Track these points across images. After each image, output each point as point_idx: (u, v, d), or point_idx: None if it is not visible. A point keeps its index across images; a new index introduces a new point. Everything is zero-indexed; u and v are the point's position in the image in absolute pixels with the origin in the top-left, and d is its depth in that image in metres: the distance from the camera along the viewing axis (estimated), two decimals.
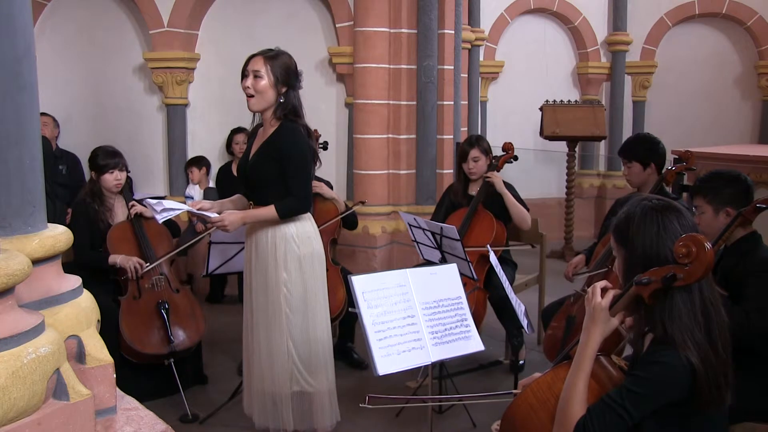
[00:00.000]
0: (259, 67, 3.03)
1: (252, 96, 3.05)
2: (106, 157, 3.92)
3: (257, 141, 3.18)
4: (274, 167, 3.06)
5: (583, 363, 1.81)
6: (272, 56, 3.06)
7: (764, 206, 2.73)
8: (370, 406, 2.55)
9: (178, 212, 3.12)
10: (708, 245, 1.70)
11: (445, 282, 2.98)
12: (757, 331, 2.57)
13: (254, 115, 3.21)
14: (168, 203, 3.12)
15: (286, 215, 3.08)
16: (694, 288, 1.76)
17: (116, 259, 3.80)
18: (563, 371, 1.87)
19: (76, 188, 5.22)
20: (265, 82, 3.02)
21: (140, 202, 3.94)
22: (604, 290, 1.88)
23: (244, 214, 3.09)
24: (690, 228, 1.79)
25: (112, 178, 3.93)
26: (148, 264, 3.81)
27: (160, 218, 3.09)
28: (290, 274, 3.10)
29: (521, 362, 4.21)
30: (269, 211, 3.05)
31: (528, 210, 4.30)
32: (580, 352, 1.84)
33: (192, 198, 5.85)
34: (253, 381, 3.20)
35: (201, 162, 5.94)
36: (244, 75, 3.07)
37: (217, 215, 3.06)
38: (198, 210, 3.11)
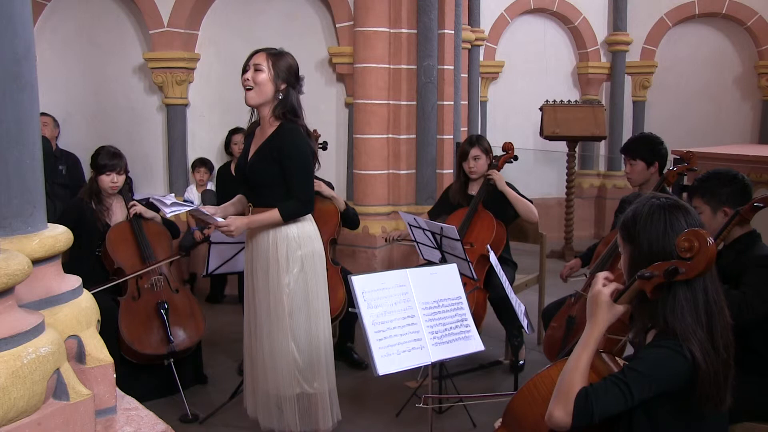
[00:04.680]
0: (261, 61, 3.03)
1: (250, 89, 3.04)
2: (105, 158, 3.92)
3: (256, 141, 3.17)
4: (274, 168, 3.05)
5: (589, 342, 1.83)
6: (275, 53, 3.07)
7: (761, 205, 2.73)
8: (424, 406, 2.81)
9: (186, 209, 3.15)
10: (710, 240, 1.71)
11: (445, 282, 2.98)
12: (753, 311, 2.57)
13: (252, 113, 3.20)
14: (177, 200, 3.16)
15: (290, 218, 3.08)
16: (698, 286, 1.77)
17: None
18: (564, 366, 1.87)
19: (75, 188, 5.22)
20: (265, 75, 3.01)
21: (146, 202, 3.94)
22: (606, 280, 1.89)
23: (249, 220, 3.09)
24: (697, 227, 1.80)
25: (108, 180, 3.93)
26: None
27: (169, 212, 3.11)
28: (292, 274, 3.09)
29: (521, 362, 4.21)
30: (273, 214, 3.05)
31: (532, 203, 4.30)
32: (586, 334, 1.85)
33: (191, 201, 5.86)
34: (258, 383, 3.19)
35: (208, 164, 5.95)
36: (245, 70, 3.07)
37: (223, 220, 3.07)
38: (203, 210, 3.13)
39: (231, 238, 3.65)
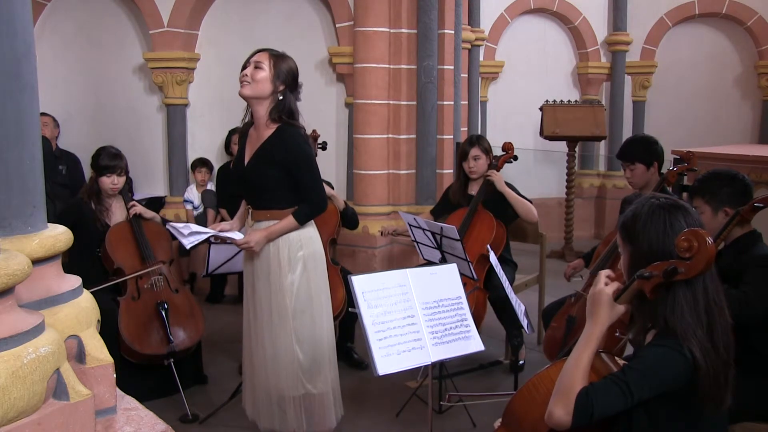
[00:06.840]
0: (263, 59, 3.01)
1: (247, 83, 3.00)
2: (106, 160, 3.91)
3: (251, 142, 3.14)
4: (274, 171, 3.03)
5: (590, 341, 1.82)
6: (278, 54, 3.06)
7: (762, 205, 2.73)
8: (449, 404, 3.00)
9: (205, 236, 3.15)
10: (710, 240, 1.71)
11: (445, 282, 2.98)
12: (753, 311, 2.57)
13: (246, 112, 3.17)
14: (194, 227, 3.15)
15: (306, 221, 3.11)
16: (698, 285, 1.77)
17: None
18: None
19: (75, 188, 5.22)
20: (265, 74, 2.99)
21: (146, 202, 3.94)
22: (608, 279, 1.89)
23: (267, 233, 3.07)
24: (697, 227, 1.80)
25: (109, 182, 3.93)
26: None
27: (188, 243, 3.09)
28: (295, 275, 3.09)
29: (521, 362, 4.20)
30: (289, 222, 3.06)
31: (531, 203, 4.30)
32: (586, 333, 1.84)
33: (191, 201, 5.87)
34: (258, 385, 3.18)
35: (208, 164, 5.96)
36: (244, 66, 3.04)
37: (242, 236, 3.08)
38: (221, 232, 3.13)
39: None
